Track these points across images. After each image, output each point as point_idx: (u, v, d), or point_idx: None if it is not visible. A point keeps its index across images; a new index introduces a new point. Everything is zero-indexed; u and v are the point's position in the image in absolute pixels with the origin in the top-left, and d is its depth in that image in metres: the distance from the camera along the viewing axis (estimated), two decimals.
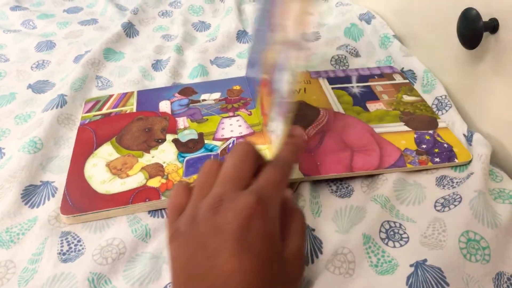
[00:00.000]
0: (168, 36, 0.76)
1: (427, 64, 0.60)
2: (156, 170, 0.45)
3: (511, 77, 0.45)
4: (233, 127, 0.51)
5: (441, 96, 0.54)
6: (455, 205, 0.40)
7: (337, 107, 0.54)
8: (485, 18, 0.44)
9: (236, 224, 0.28)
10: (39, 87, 0.62)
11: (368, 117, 0.52)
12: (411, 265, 0.36)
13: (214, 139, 0.49)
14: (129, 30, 0.75)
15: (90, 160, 0.46)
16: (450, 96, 0.54)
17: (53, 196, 0.44)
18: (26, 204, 0.43)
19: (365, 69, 0.63)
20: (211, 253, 0.28)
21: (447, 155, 0.46)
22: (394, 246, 0.38)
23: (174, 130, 0.51)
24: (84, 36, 0.76)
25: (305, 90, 0.58)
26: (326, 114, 0.53)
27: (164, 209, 0.42)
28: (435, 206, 0.41)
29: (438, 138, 0.48)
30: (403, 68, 0.62)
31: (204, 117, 0.53)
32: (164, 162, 0.46)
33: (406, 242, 0.38)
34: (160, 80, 0.62)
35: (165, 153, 0.47)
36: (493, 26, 0.44)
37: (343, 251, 0.37)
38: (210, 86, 0.59)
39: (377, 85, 0.59)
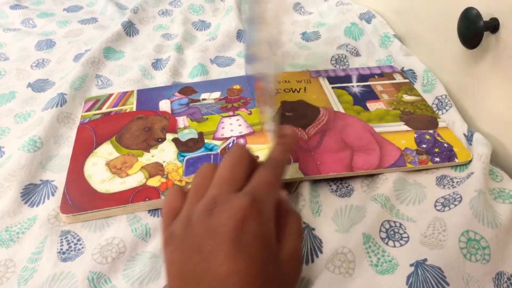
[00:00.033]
0: (168, 35, 0.75)
1: (427, 64, 0.60)
2: (156, 169, 0.45)
3: (511, 76, 0.45)
4: (233, 127, 0.51)
5: (441, 96, 0.54)
6: (455, 205, 0.40)
7: (337, 106, 0.54)
8: (486, 17, 0.44)
9: (231, 226, 0.28)
10: (39, 86, 0.62)
11: (368, 117, 0.52)
12: (411, 265, 0.36)
13: (214, 138, 0.49)
14: (129, 29, 0.75)
15: (89, 159, 0.46)
16: (450, 96, 0.54)
17: (52, 195, 0.44)
18: (25, 203, 0.43)
19: (365, 69, 0.62)
20: (206, 255, 0.28)
21: (447, 154, 0.46)
22: (394, 246, 0.38)
23: (174, 129, 0.51)
24: (84, 35, 0.75)
25: (305, 89, 0.58)
26: (326, 113, 0.53)
27: None
28: (435, 206, 0.41)
29: (438, 138, 0.48)
30: (403, 67, 0.62)
31: (204, 117, 0.53)
32: (164, 162, 0.46)
33: (406, 241, 0.38)
34: (160, 79, 0.62)
35: (165, 152, 0.47)
36: (493, 25, 0.44)
37: (343, 250, 0.37)
38: (210, 85, 0.59)
39: (377, 85, 0.59)
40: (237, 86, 0.59)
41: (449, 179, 0.44)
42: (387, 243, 0.38)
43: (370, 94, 0.57)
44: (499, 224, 0.38)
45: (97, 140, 0.49)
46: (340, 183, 0.45)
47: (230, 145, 0.48)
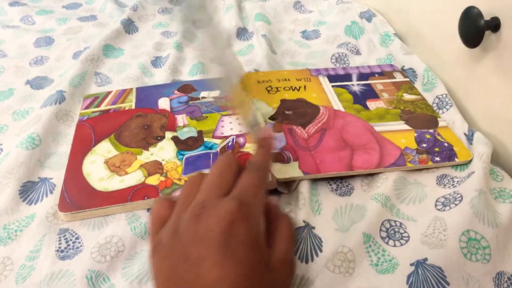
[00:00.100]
0: (167, 33, 0.75)
1: (428, 63, 0.60)
2: (155, 167, 0.45)
3: None
4: (232, 125, 0.51)
5: (441, 95, 0.54)
6: (456, 204, 0.40)
7: (337, 105, 0.54)
8: (487, 16, 0.44)
9: (218, 231, 0.28)
10: (37, 83, 0.61)
11: (368, 116, 0.52)
12: (411, 264, 0.35)
13: (213, 137, 0.49)
14: (129, 26, 0.75)
15: (88, 157, 0.46)
16: (451, 95, 0.54)
17: (51, 192, 0.43)
18: (23, 200, 0.42)
19: (365, 67, 0.62)
20: (194, 262, 0.27)
21: (448, 154, 0.46)
22: (395, 245, 0.38)
23: (173, 127, 0.51)
24: (83, 32, 0.75)
25: (305, 88, 0.57)
26: (326, 112, 0.53)
27: None
28: (435, 205, 0.41)
29: (439, 137, 0.48)
30: (403, 66, 0.62)
31: (203, 115, 0.53)
32: (163, 160, 0.46)
33: (407, 241, 0.38)
34: (160, 77, 0.62)
35: (164, 151, 0.47)
36: (494, 24, 0.44)
37: (343, 250, 0.37)
38: (210, 84, 0.59)
39: (378, 83, 0.58)
40: None
41: (450, 178, 0.44)
42: (387, 243, 0.38)
43: (370, 93, 0.57)
44: (500, 224, 0.38)
45: (96, 138, 0.49)
46: (340, 182, 0.45)
47: (230, 143, 0.48)
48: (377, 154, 0.46)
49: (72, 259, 0.37)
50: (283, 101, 0.55)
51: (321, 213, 0.41)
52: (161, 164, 0.45)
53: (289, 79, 0.59)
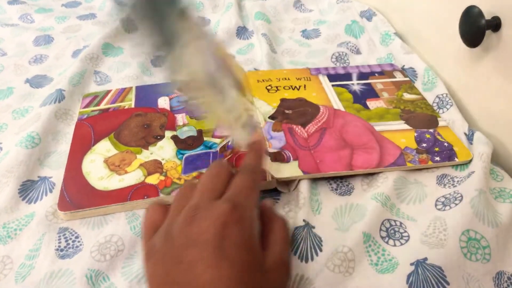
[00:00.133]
0: None
1: (428, 62, 0.60)
2: (154, 167, 0.45)
3: None
4: None
5: (442, 94, 0.54)
6: (456, 204, 0.40)
7: (337, 104, 0.54)
8: (488, 16, 0.44)
9: (211, 233, 0.28)
10: (37, 82, 0.61)
11: (368, 115, 0.52)
12: (411, 264, 0.35)
13: (213, 136, 0.49)
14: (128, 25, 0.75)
15: (87, 156, 0.46)
16: (451, 94, 0.54)
17: (50, 191, 0.43)
18: (23, 199, 0.42)
19: (365, 67, 0.62)
20: (188, 265, 0.27)
21: (447, 154, 0.46)
22: (395, 245, 0.38)
23: (173, 126, 0.50)
24: (83, 31, 0.75)
25: (305, 87, 0.57)
26: (326, 111, 0.53)
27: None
28: (435, 205, 0.41)
29: (439, 137, 0.48)
30: (403, 65, 0.62)
31: (203, 114, 0.52)
32: (162, 159, 0.46)
33: (407, 240, 0.38)
34: (159, 76, 0.62)
35: (164, 150, 0.47)
36: (495, 24, 0.44)
37: (343, 249, 0.37)
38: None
39: (378, 83, 0.58)
40: None
41: (450, 178, 0.44)
42: (387, 242, 0.38)
43: (370, 92, 0.56)
44: (500, 224, 0.38)
45: (95, 137, 0.49)
46: (340, 181, 0.45)
47: (230, 143, 0.48)
48: (377, 153, 0.46)
49: (71, 258, 0.37)
50: (283, 100, 0.55)
51: (321, 213, 0.41)
52: (160, 163, 0.45)
53: (289, 78, 0.59)
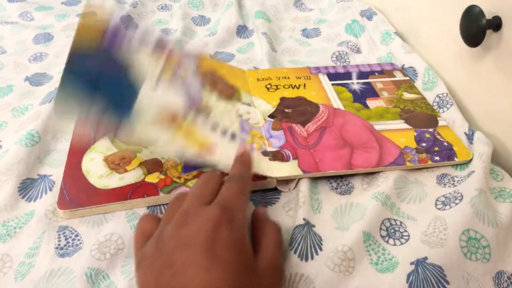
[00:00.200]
0: (167, 30, 0.75)
1: (428, 62, 0.60)
2: (154, 165, 0.45)
3: None
4: None
5: (442, 94, 0.54)
6: (456, 204, 0.40)
7: (337, 103, 0.54)
8: (488, 16, 0.44)
9: (202, 236, 0.29)
10: (36, 80, 0.61)
11: (368, 114, 0.52)
12: (411, 263, 0.35)
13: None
14: (128, 23, 0.75)
15: (87, 154, 0.46)
16: (451, 94, 0.54)
17: (50, 190, 0.43)
18: (23, 197, 0.42)
19: (365, 66, 0.62)
20: (179, 269, 0.27)
21: (447, 153, 0.46)
22: (395, 244, 0.38)
23: None
24: None
25: (304, 86, 0.57)
26: (326, 110, 0.53)
27: (164, 205, 0.42)
28: (436, 204, 0.41)
29: (438, 137, 0.48)
30: (403, 65, 0.62)
31: None
32: (162, 158, 0.46)
33: (407, 240, 0.38)
34: None
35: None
36: (496, 24, 0.44)
37: (343, 248, 0.37)
38: None
39: (378, 82, 0.58)
40: None
41: (450, 177, 0.44)
42: (387, 241, 0.38)
43: (370, 92, 0.56)
44: (500, 223, 0.38)
45: (95, 135, 0.49)
46: (341, 180, 0.45)
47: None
48: (377, 153, 0.46)
49: (71, 256, 0.37)
50: (282, 99, 0.55)
51: (321, 212, 0.41)
52: (160, 162, 0.45)
53: (288, 77, 0.59)
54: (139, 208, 0.42)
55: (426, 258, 0.35)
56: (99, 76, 0.39)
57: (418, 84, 0.58)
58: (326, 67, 0.62)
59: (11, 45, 0.70)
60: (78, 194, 0.41)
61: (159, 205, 0.42)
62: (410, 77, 0.60)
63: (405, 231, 0.39)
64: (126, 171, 0.44)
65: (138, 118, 0.40)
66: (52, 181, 0.44)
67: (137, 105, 0.40)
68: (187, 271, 0.27)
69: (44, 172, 0.45)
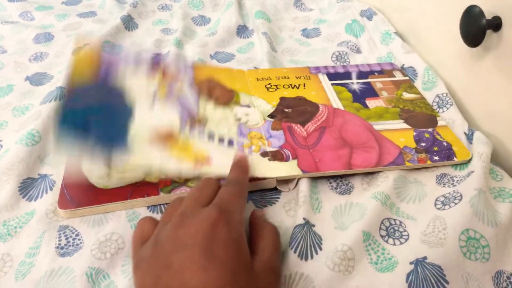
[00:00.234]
0: (167, 30, 0.75)
1: (428, 62, 0.60)
2: None
3: None
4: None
5: (442, 94, 0.54)
6: (456, 203, 0.40)
7: (336, 103, 0.54)
8: (488, 16, 0.44)
9: (200, 236, 0.29)
10: (37, 79, 0.61)
11: (367, 114, 0.52)
12: (411, 263, 0.36)
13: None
14: (128, 23, 0.75)
15: None
16: (451, 94, 0.54)
17: (51, 189, 0.43)
18: (23, 197, 0.42)
19: (365, 66, 0.62)
20: (177, 270, 0.28)
21: (446, 153, 0.46)
22: (394, 244, 0.38)
23: None
24: (83, 29, 0.75)
25: (304, 86, 0.57)
26: (326, 110, 0.53)
27: (164, 204, 0.42)
28: (435, 204, 0.41)
29: (438, 136, 0.48)
30: (403, 64, 0.62)
31: None
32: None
33: (406, 239, 0.38)
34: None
35: None
36: (496, 24, 0.44)
37: (343, 248, 0.37)
38: None
39: (377, 82, 0.58)
40: None
41: (449, 177, 0.44)
42: (387, 241, 0.38)
43: (369, 91, 0.57)
44: (499, 223, 0.38)
45: None
46: (340, 180, 0.45)
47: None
48: (376, 152, 0.46)
49: (72, 256, 0.37)
50: (282, 98, 0.55)
51: (321, 211, 0.41)
52: None
53: (288, 77, 0.59)
54: (140, 207, 0.42)
55: (425, 257, 0.36)
56: (99, 108, 0.40)
57: (418, 84, 0.58)
58: (325, 67, 0.62)
59: (11, 44, 0.70)
60: (79, 193, 0.41)
61: (159, 204, 0.42)
62: (409, 77, 0.60)
63: (405, 230, 0.39)
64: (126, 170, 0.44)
65: (134, 142, 0.41)
66: (52, 181, 0.44)
67: (133, 131, 0.41)
68: (185, 272, 0.27)
69: (45, 172, 0.45)
